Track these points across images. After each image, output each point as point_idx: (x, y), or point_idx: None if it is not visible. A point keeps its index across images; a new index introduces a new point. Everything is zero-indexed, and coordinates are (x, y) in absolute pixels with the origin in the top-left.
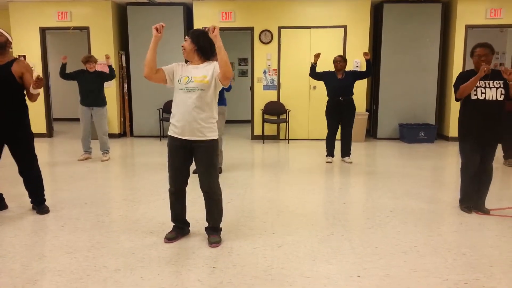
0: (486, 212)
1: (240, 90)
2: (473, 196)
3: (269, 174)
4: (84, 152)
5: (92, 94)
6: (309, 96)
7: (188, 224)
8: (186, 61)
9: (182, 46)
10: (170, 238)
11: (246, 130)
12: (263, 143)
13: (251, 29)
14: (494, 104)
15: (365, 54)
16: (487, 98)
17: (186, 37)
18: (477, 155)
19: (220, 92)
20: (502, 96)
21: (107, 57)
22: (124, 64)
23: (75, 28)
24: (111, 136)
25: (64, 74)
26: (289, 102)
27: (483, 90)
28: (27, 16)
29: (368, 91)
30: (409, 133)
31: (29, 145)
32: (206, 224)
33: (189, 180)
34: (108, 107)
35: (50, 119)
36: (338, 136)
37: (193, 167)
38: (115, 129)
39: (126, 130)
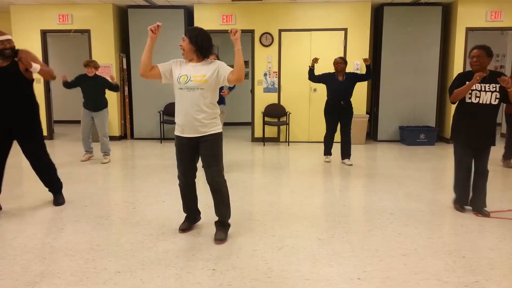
0: (486, 214)
1: (241, 93)
2: (466, 196)
3: (270, 177)
4: (85, 152)
5: (93, 98)
6: (310, 98)
7: (199, 212)
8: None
9: (181, 46)
10: (184, 229)
11: (247, 132)
12: (264, 145)
13: (251, 31)
14: (488, 107)
15: (365, 60)
16: (481, 102)
17: (184, 36)
18: (469, 157)
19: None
20: (497, 100)
21: (112, 78)
22: (125, 66)
23: (76, 31)
24: (112, 138)
25: (67, 85)
26: (289, 105)
27: (478, 94)
28: (28, 18)
29: (369, 93)
30: (410, 136)
31: (40, 141)
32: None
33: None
34: (109, 110)
35: (50, 121)
36: (337, 138)
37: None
38: (116, 131)
39: (127, 133)
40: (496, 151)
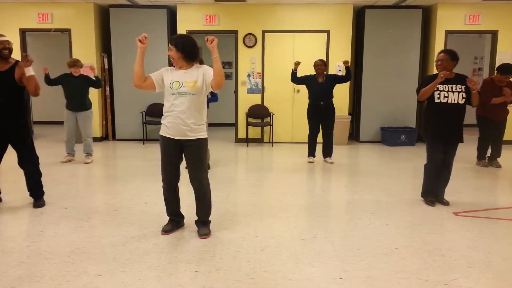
0: (446, 203)
1: (224, 94)
2: (435, 191)
3: (253, 177)
4: (67, 154)
5: (77, 98)
6: (293, 99)
7: (182, 217)
8: (171, 65)
9: (169, 55)
10: (167, 230)
11: (230, 133)
12: (247, 146)
13: (235, 32)
14: (455, 106)
15: (344, 62)
16: (449, 101)
17: (170, 45)
18: (440, 154)
19: None
20: (463, 100)
21: (92, 68)
22: (106, 66)
23: (56, 30)
24: (93, 139)
25: (49, 81)
26: (273, 106)
27: (446, 94)
28: (7, 17)
29: (351, 94)
30: (391, 136)
31: (30, 145)
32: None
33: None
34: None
35: (30, 122)
36: (320, 139)
37: (184, 163)
38: (97, 132)
39: (108, 133)
40: (473, 152)
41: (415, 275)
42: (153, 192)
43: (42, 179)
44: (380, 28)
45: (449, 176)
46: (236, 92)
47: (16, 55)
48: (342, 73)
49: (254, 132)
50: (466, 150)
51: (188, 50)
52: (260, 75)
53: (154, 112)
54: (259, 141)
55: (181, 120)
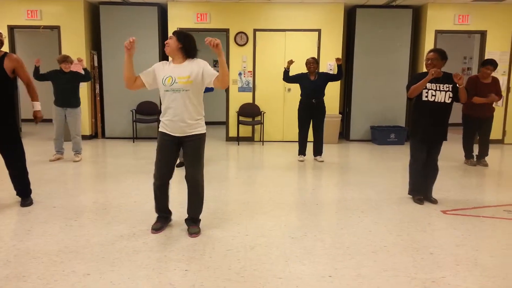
0: (434, 201)
1: (215, 92)
2: (421, 189)
3: (244, 176)
4: (56, 152)
5: (67, 95)
6: (284, 98)
7: (170, 212)
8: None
9: (167, 43)
10: (157, 228)
11: (221, 131)
12: (238, 144)
13: (226, 30)
14: (442, 105)
15: (337, 59)
16: (436, 100)
17: (171, 34)
18: (424, 152)
19: None
20: (450, 99)
21: (80, 60)
22: (96, 64)
23: (45, 27)
24: (82, 137)
25: (38, 76)
26: (264, 104)
27: (434, 93)
28: None
29: (341, 93)
30: (380, 135)
31: (18, 140)
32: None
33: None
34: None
35: (18, 120)
36: (310, 138)
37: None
38: (86, 130)
39: (98, 131)
40: (461, 151)
41: (403, 272)
42: (143, 191)
43: (30, 177)
44: (370, 27)
45: (436, 174)
46: (227, 90)
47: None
48: (334, 71)
49: (245, 131)
50: (454, 149)
51: (188, 43)
52: (251, 74)
53: (144, 110)
54: (250, 139)
55: (178, 117)
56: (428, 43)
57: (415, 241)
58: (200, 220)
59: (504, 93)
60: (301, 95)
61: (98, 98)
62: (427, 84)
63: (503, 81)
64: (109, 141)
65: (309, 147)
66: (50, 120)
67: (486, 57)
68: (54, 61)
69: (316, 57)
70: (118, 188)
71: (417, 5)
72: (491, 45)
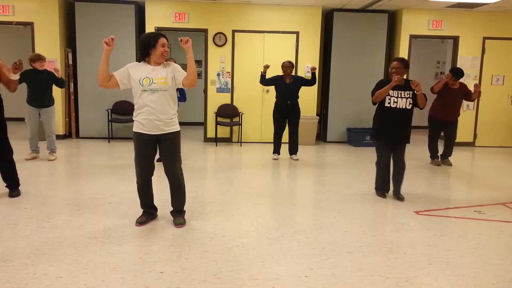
0: (402, 199)
1: (193, 93)
2: (385, 185)
3: (221, 177)
4: (31, 151)
5: (42, 94)
6: (262, 99)
7: (156, 209)
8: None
9: (168, 52)
10: (141, 222)
11: (199, 132)
12: (216, 145)
13: (205, 31)
14: (403, 111)
15: (312, 68)
16: (398, 106)
17: (165, 40)
18: (388, 153)
19: None
20: (410, 105)
21: (56, 70)
22: (70, 62)
23: (18, 23)
24: (56, 137)
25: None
26: (242, 105)
27: (395, 100)
28: None
29: (319, 95)
30: (356, 137)
31: (4, 137)
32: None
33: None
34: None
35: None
36: (285, 139)
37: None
38: (60, 130)
39: (72, 131)
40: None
41: (377, 272)
42: (118, 192)
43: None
44: (348, 30)
45: (403, 173)
46: (205, 91)
47: None
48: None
49: (223, 132)
50: (420, 150)
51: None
52: (229, 75)
53: (120, 110)
54: (228, 140)
55: (155, 116)
56: (403, 47)
57: (389, 241)
58: (185, 211)
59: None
60: (276, 97)
61: (73, 97)
62: (390, 91)
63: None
64: (83, 141)
65: (285, 147)
66: (22, 119)
67: (458, 62)
68: (28, 59)
69: (295, 59)
70: (93, 189)
71: (393, 10)
72: (463, 51)
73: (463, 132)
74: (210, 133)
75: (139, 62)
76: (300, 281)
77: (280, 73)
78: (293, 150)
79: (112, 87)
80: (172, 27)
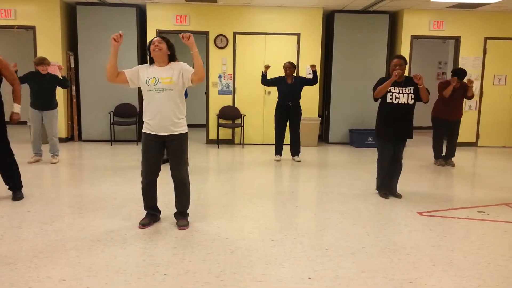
0: (398, 196)
1: (195, 95)
2: (387, 184)
3: (223, 179)
4: (34, 154)
5: (44, 97)
6: (264, 101)
7: (159, 211)
8: (151, 62)
9: (159, 46)
10: (144, 224)
11: (201, 134)
12: (218, 147)
13: (206, 33)
14: (405, 107)
15: (312, 66)
16: (400, 102)
17: (159, 39)
18: (390, 150)
19: None
20: (412, 100)
21: (60, 68)
22: (72, 65)
23: (20, 27)
24: (58, 140)
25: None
26: (244, 107)
27: (397, 96)
28: None
29: (320, 96)
30: (358, 138)
31: (5, 138)
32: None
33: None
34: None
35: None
36: (287, 140)
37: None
38: (62, 133)
39: (74, 134)
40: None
41: (381, 274)
42: (121, 194)
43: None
44: (349, 32)
45: (400, 170)
46: (207, 93)
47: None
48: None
49: (225, 134)
50: (424, 150)
51: (173, 51)
52: (231, 77)
53: (122, 112)
54: (230, 142)
55: (162, 116)
56: (404, 48)
57: (392, 242)
58: (188, 213)
59: (477, 98)
60: (278, 98)
61: (75, 100)
62: (391, 87)
63: (476, 85)
64: (86, 143)
65: (287, 149)
66: (25, 122)
67: (460, 62)
68: (29, 62)
69: (296, 61)
70: (95, 192)
71: (394, 11)
72: (465, 51)
73: (465, 133)
74: (212, 135)
75: (150, 65)
76: (304, 283)
77: (282, 75)
78: (295, 151)
79: (121, 83)
80: (173, 30)
